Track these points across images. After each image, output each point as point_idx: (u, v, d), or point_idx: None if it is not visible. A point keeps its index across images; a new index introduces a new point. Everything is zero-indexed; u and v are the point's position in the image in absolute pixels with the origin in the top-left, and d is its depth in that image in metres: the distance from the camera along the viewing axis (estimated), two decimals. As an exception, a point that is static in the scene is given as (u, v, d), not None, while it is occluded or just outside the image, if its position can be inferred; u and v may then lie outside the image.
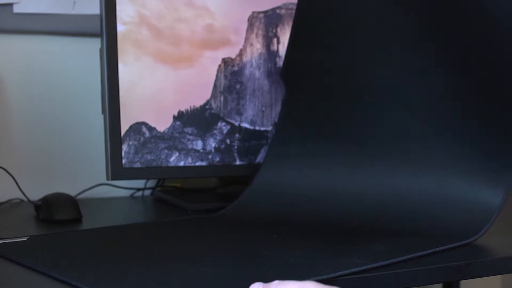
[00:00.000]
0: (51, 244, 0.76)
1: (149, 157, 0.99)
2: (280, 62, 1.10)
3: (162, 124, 1.00)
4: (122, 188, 1.17)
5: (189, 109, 1.02)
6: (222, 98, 1.05)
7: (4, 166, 1.05)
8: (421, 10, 0.81)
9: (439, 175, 0.80)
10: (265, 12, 1.09)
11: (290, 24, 1.11)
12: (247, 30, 1.07)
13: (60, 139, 1.16)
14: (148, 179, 1.18)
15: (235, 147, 1.05)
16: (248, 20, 1.08)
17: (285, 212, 0.87)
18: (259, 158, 1.07)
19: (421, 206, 0.79)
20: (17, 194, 1.06)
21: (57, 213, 0.90)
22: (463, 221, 0.76)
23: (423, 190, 0.80)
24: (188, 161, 1.02)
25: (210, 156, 1.03)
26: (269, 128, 1.08)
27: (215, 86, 1.04)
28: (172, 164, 1.00)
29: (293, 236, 0.78)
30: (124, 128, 0.97)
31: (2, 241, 0.74)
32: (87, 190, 1.15)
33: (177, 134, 1.01)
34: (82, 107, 1.17)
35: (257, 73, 1.08)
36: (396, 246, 0.71)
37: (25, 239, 0.76)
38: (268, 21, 1.09)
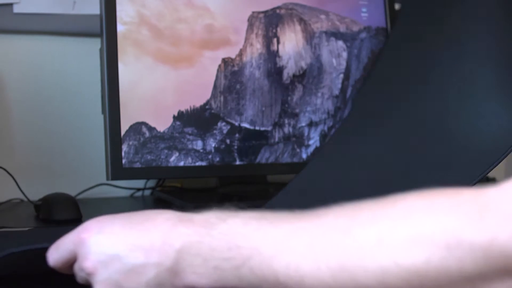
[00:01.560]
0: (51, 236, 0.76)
1: (149, 157, 0.99)
2: (280, 62, 1.10)
3: (162, 124, 1.00)
4: (122, 188, 1.17)
5: (189, 109, 1.02)
6: (222, 98, 1.05)
7: (4, 166, 1.05)
8: None
9: None
10: (265, 12, 1.09)
11: (290, 24, 1.11)
12: (247, 30, 1.07)
13: (60, 139, 1.16)
14: (148, 179, 1.18)
15: (235, 147, 1.05)
16: (248, 20, 1.08)
17: None
18: (259, 158, 1.07)
19: None
20: (17, 194, 1.06)
21: (57, 213, 0.90)
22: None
23: None
24: (188, 161, 1.01)
25: (210, 156, 1.03)
26: (269, 128, 1.08)
27: (215, 86, 1.04)
28: (172, 164, 1.00)
29: None
30: (124, 128, 0.97)
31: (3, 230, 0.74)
32: (87, 190, 1.15)
33: (177, 134, 1.01)
34: (82, 107, 1.17)
35: (257, 73, 1.08)
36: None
37: (26, 229, 0.76)
38: (268, 21, 1.09)
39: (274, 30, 1.09)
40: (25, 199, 1.04)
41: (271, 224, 0.49)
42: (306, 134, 1.11)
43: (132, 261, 0.49)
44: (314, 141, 1.12)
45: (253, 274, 0.47)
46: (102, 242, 0.51)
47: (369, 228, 0.46)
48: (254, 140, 1.07)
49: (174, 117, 1.01)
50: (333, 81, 1.14)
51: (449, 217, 0.44)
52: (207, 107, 1.04)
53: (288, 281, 0.46)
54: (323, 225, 0.48)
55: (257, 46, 1.08)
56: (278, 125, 1.09)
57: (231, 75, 1.06)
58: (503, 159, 0.76)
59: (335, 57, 1.15)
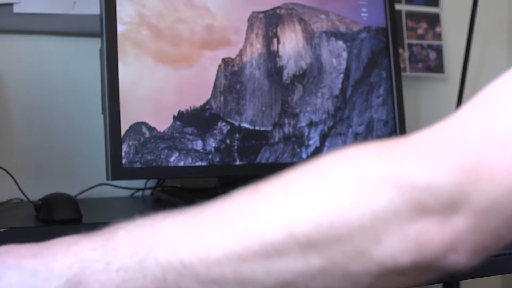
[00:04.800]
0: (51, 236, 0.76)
1: (149, 157, 0.99)
2: (280, 62, 1.10)
3: (162, 124, 1.00)
4: (122, 188, 1.17)
5: (189, 109, 1.02)
6: (222, 98, 1.05)
7: (4, 166, 1.05)
8: None
9: None
10: (265, 12, 1.09)
11: (290, 24, 1.11)
12: (247, 30, 1.07)
13: (60, 139, 1.16)
14: (148, 179, 1.18)
15: (235, 147, 1.05)
16: (248, 20, 1.08)
17: None
18: (259, 158, 1.07)
19: None
20: (17, 194, 1.06)
21: (57, 213, 0.90)
22: None
23: None
24: (188, 161, 1.01)
25: (210, 156, 1.03)
26: (269, 128, 1.08)
27: (215, 86, 1.04)
28: (172, 164, 1.00)
29: None
30: (124, 128, 0.97)
31: None
32: (87, 190, 1.15)
33: (177, 134, 1.01)
34: (82, 107, 1.17)
35: (257, 73, 1.08)
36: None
37: (2, 230, 0.77)
38: (268, 21, 1.09)
39: (274, 30, 1.09)
40: (25, 199, 1.04)
41: (180, 212, 0.45)
42: (306, 134, 1.11)
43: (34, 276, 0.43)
44: (314, 141, 1.12)
45: (157, 263, 0.42)
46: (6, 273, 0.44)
47: (275, 184, 0.43)
48: (254, 140, 1.07)
49: (174, 117, 1.01)
50: (333, 81, 1.14)
51: (358, 156, 0.41)
52: (207, 107, 1.04)
53: (194, 260, 0.42)
54: (231, 198, 0.45)
55: (257, 46, 1.08)
56: (278, 125, 1.09)
57: (231, 75, 1.06)
58: None
59: (335, 57, 1.15)
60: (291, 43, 1.11)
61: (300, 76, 1.11)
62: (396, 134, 1.20)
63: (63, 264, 0.44)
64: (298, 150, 1.10)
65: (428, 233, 0.39)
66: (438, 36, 1.51)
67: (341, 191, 0.40)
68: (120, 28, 0.98)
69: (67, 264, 0.43)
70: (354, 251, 0.39)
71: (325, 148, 1.12)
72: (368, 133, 1.17)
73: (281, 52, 1.10)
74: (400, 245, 0.39)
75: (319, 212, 0.40)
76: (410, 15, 1.48)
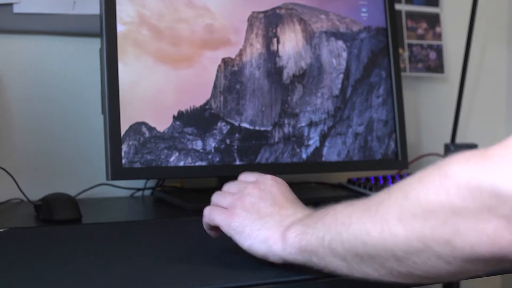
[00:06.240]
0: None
1: (149, 157, 0.99)
2: (280, 62, 1.10)
3: (162, 124, 1.00)
4: (122, 188, 1.17)
5: (189, 109, 1.02)
6: (222, 98, 1.05)
7: (4, 166, 1.05)
8: None
9: None
10: (265, 12, 1.09)
11: (290, 24, 1.11)
12: (247, 30, 1.07)
13: (60, 139, 1.16)
14: (148, 179, 1.18)
15: (235, 147, 1.05)
16: (248, 20, 1.08)
17: None
18: (259, 158, 1.07)
19: None
20: (17, 194, 1.06)
21: (57, 213, 0.90)
22: None
23: None
24: (188, 161, 1.01)
25: (210, 156, 1.03)
26: (269, 128, 1.08)
27: (215, 86, 1.04)
28: (172, 164, 1.00)
29: None
30: (124, 128, 0.97)
31: None
32: (87, 190, 1.15)
33: (177, 134, 1.01)
34: (82, 107, 1.17)
35: (257, 73, 1.08)
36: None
37: (2, 230, 0.77)
38: (268, 21, 1.09)
39: (274, 30, 1.09)
40: (25, 199, 1.04)
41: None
42: (306, 134, 1.11)
43: None
44: (314, 141, 1.12)
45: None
46: None
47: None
48: (254, 140, 1.07)
49: (174, 117, 1.01)
50: (333, 81, 1.14)
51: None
52: (207, 107, 1.04)
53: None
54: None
55: (257, 46, 1.08)
56: (278, 125, 1.09)
57: (231, 75, 1.06)
58: None
59: (335, 57, 1.15)
60: (291, 43, 1.11)
61: (300, 76, 1.11)
62: (396, 134, 1.20)
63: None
64: (298, 150, 1.10)
65: (499, 232, 0.45)
66: (438, 36, 1.51)
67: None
68: (120, 28, 0.98)
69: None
70: (442, 238, 0.47)
71: (325, 148, 1.12)
72: (368, 133, 1.17)
73: (281, 52, 1.10)
74: (477, 239, 0.46)
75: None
76: (410, 15, 1.48)
